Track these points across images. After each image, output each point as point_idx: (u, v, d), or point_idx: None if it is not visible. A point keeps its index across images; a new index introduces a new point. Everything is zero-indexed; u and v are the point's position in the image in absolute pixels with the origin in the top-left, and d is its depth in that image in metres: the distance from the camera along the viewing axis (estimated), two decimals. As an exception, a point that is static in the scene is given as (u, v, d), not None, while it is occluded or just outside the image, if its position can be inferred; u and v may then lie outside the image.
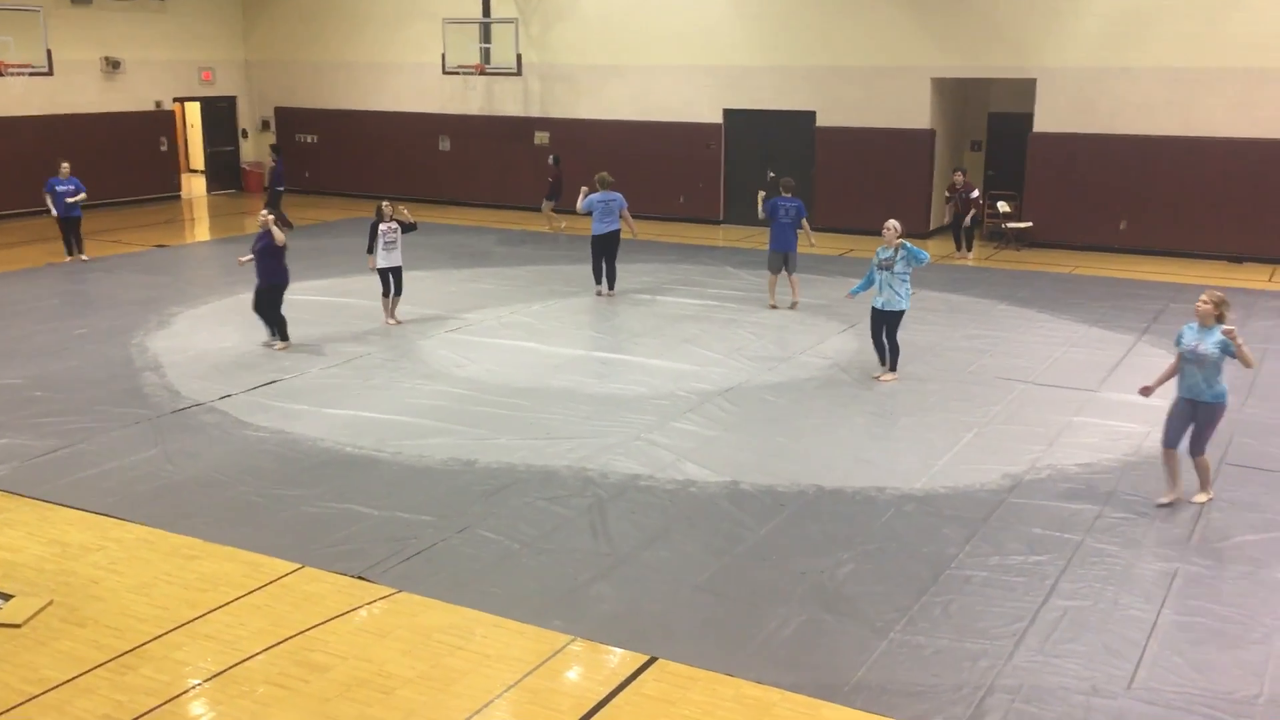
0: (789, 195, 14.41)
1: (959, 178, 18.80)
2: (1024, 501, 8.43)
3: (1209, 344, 7.96)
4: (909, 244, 11.22)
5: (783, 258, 14.45)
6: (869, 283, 11.53)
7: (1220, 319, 8.00)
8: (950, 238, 19.40)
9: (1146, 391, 8.40)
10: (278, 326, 12.67)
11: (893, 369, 11.44)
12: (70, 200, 17.58)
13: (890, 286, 11.19)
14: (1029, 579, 7.18)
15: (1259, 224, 18.20)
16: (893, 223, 11.36)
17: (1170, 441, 8.25)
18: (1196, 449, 8.20)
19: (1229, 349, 7.90)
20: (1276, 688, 5.96)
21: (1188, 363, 8.09)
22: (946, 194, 19.20)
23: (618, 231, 15.35)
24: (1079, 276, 17.31)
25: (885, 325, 11.36)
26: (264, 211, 13.07)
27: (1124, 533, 7.88)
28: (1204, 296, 8.14)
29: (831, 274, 16.82)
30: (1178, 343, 8.22)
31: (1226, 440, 9.74)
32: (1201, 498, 8.32)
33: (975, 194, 18.81)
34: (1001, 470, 9.02)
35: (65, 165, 18.09)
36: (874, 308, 11.44)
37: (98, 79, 24.03)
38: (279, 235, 12.35)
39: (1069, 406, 10.69)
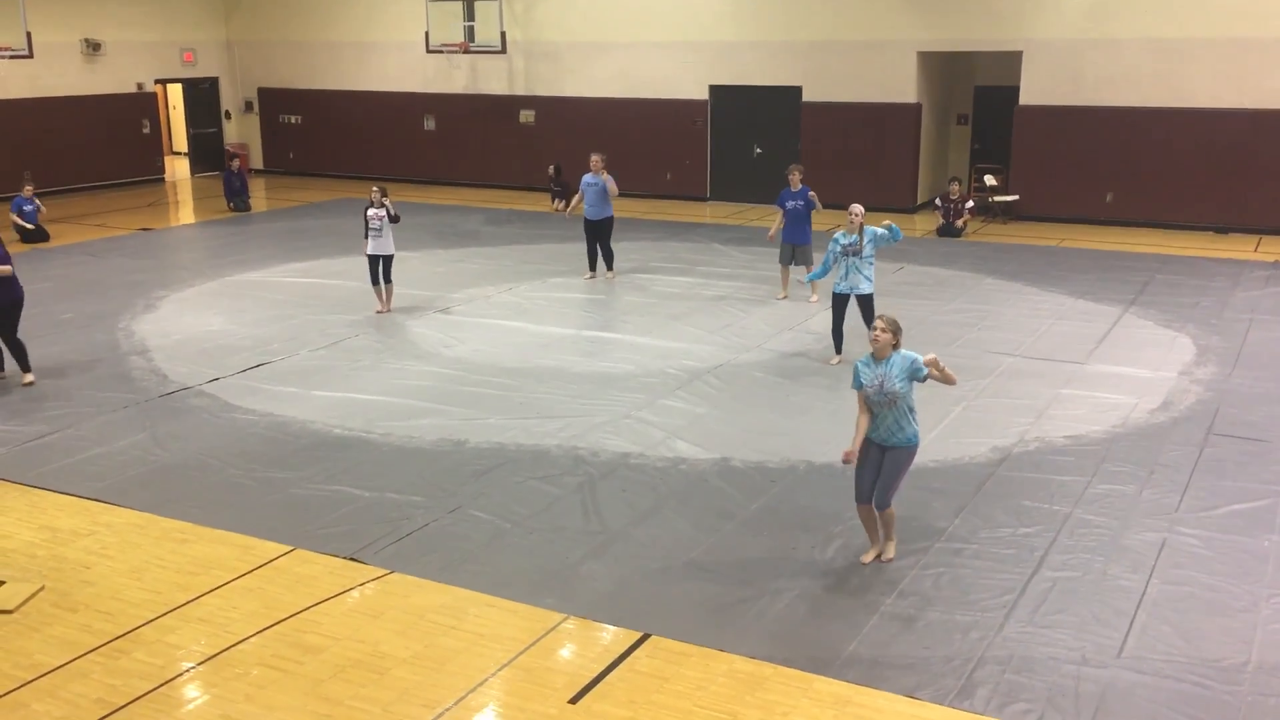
0: (800, 186, 13.64)
1: (955, 188, 18.71)
2: (1013, 474, 8.48)
3: (895, 378, 6.72)
4: (874, 229, 10.96)
5: (791, 249, 13.85)
6: (826, 270, 11.20)
7: (898, 346, 6.80)
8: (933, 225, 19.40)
9: (849, 458, 6.89)
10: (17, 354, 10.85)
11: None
12: (33, 225, 17.87)
13: (858, 270, 10.95)
14: (1018, 551, 7.22)
15: (1244, 195, 18.26)
16: (858, 207, 11.08)
17: (864, 496, 6.99)
18: (883, 500, 6.92)
19: (918, 374, 6.75)
20: (1264, 655, 6.02)
21: (877, 405, 6.80)
22: (938, 202, 19.02)
23: (610, 219, 15.12)
24: (1066, 249, 17.35)
25: (861, 310, 11.05)
26: None
27: (1112, 504, 7.92)
28: (879, 324, 6.82)
29: (819, 249, 16.77)
30: (856, 385, 6.90)
31: (1213, 411, 9.80)
32: (890, 552, 7.09)
33: (970, 204, 18.72)
34: (990, 443, 9.06)
35: (29, 187, 18.10)
36: (840, 293, 11.10)
37: (78, 61, 23.82)
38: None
39: (1056, 379, 10.73)
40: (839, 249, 11.03)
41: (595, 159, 15.09)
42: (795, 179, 13.69)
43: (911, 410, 6.85)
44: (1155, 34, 18.37)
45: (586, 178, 15.08)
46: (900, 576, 6.91)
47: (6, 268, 10.54)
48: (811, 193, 13.78)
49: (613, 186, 14.97)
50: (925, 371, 6.75)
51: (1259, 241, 17.69)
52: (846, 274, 11.03)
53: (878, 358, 6.81)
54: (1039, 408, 9.93)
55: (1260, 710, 5.54)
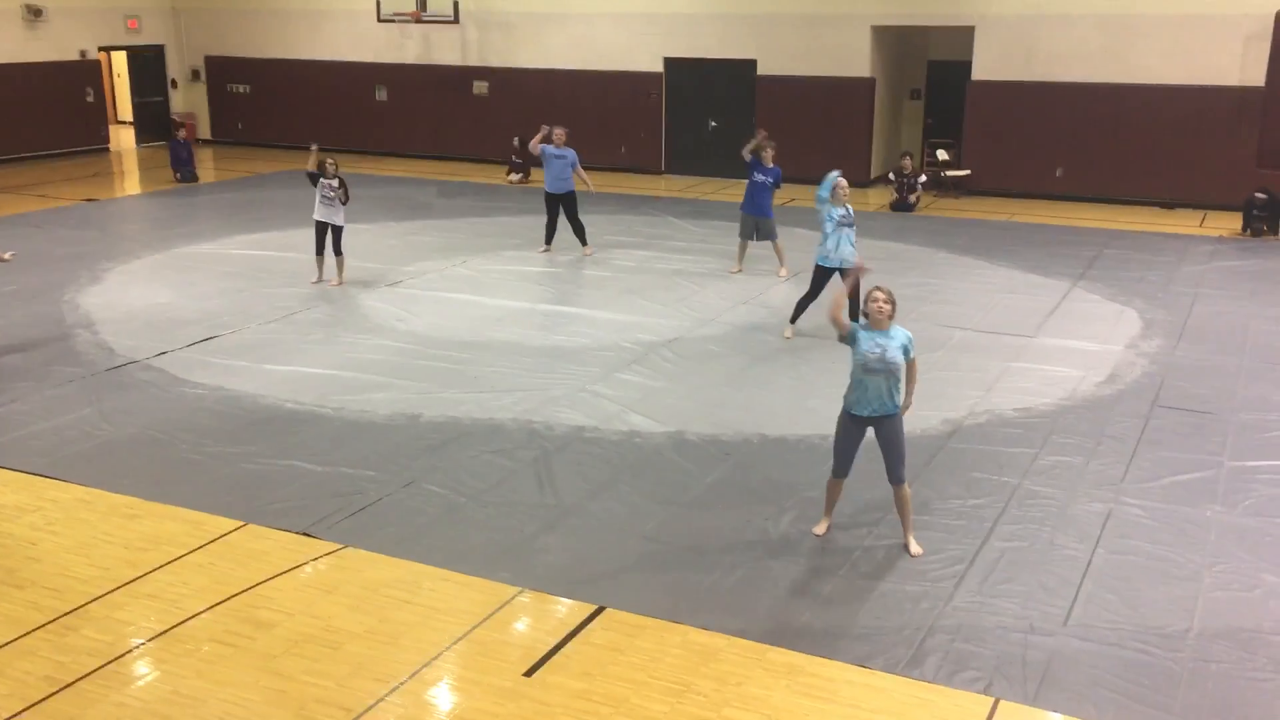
0: (772, 165, 13.43)
1: (907, 163, 18.81)
2: (963, 446, 8.58)
3: (894, 348, 6.69)
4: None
5: (754, 223, 13.66)
6: (825, 240, 10.98)
7: (893, 318, 6.75)
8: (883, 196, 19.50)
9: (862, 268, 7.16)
10: None
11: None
12: None
13: (849, 243, 10.88)
14: (968, 521, 7.32)
15: (1191, 170, 18.52)
16: (841, 179, 10.90)
17: (843, 471, 6.99)
18: (901, 473, 6.86)
19: (910, 348, 6.79)
20: (1205, 622, 6.15)
21: (872, 374, 6.69)
22: (891, 176, 19.13)
23: (572, 192, 14.94)
24: (1016, 224, 17.52)
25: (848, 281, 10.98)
26: None
27: (1059, 475, 8.05)
28: (880, 295, 6.72)
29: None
30: (849, 342, 6.79)
31: (1158, 384, 9.97)
32: (915, 546, 6.92)
33: (923, 179, 18.85)
34: (941, 416, 9.16)
35: None
36: (828, 267, 10.95)
37: (19, 27, 23.21)
38: None
39: (1006, 352, 10.86)
40: (834, 220, 10.83)
41: (560, 132, 14.97)
42: (769, 155, 13.57)
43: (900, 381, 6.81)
44: (1106, 10, 18.53)
45: (551, 149, 14.84)
46: (852, 547, 6.98)
47: None
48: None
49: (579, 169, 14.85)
50: (913, 348, 6.82)
51: (1204, 216, 17.97)
52: (838, 246, 10.88)
53: (875, 328, 6.72)
54: (989, 381, 10.04)
55: (1201, 675, 5.67)
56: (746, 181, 13.67)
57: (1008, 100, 19.43)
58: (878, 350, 6.71)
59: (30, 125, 23.30)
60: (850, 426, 6.93)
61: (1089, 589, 6.49)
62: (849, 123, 20.64)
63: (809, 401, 9.52)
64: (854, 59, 20.34)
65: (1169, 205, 18.70)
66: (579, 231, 15.06)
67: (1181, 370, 10.37)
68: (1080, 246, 15.65)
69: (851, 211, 10.99)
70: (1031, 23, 19.04)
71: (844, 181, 10.96)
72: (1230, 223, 17.15)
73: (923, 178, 18.89)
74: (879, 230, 16.45)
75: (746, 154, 13.53)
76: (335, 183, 12.95)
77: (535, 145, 15.08)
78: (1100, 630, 6.06)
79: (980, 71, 19.61)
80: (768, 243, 13.87)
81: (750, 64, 21.10)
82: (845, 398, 6.93)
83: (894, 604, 6.32)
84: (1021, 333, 11.54)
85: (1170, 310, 12.40)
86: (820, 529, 7.16)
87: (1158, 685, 5.58)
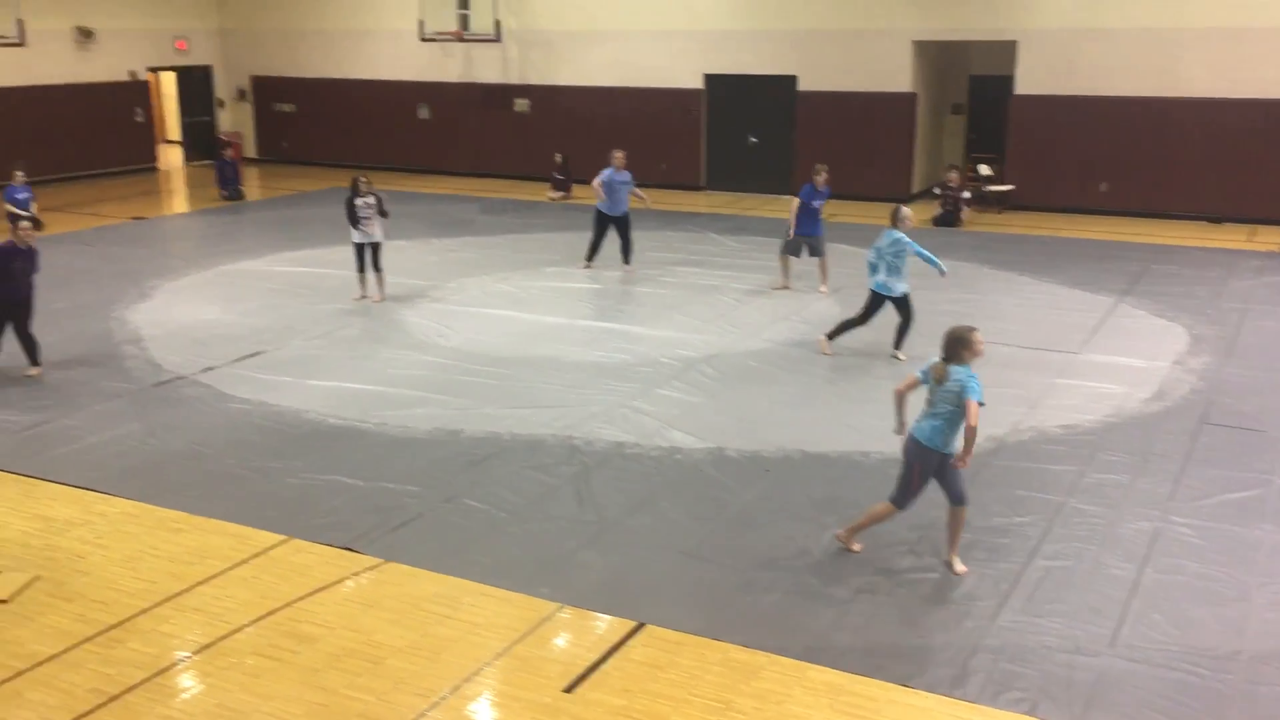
0: (824, 187, 13.54)
1: (954, 176, 18.71)
2: (1007, 464, 8.49)
3: (971, 389, 6.56)
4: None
5: (802, 242, 13.67)
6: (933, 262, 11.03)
7: (955, 360, 6.69)
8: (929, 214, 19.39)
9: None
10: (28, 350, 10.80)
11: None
12: (27, 214, 17.45)
13: (899, 271, 10.86)
14: (1012, 540, 7.24)
15: (1238, 184, 18.27)
16: (907, 210, 10.93)
17: (907, 506, 6.91)
18: (962, 497, 6.81)
19: (974, 389, 6.55)
20: (1256, 643, 6.04)
21: (940, 402, 6.67)
22: (937, 190, 19.02)
23: (627, 213, 14.93)
24: (1060, 239, 17.35)
25: (900, 309, 11.02)
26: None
27: (1106, 493, 7.94)
28: (979, 332, 6.74)
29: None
30: (922, 378, 6.80)
31: (1206, 401, 9.82)
32: (960, 565, 6.86)
33: (967, 194, 18.73)
34: (984, 433, 8.98)
35: (20, 173, 17.97)
36: (886, 295, 10.98)
37: (71, 49, 23.70)
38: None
39: (1051, 369, 10.75)
40: (913, 250, 10.80)
41: (619, 155, 14.95)
42: (822, 179, 13.60)
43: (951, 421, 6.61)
44: (1150, 24, 18.35)
45: (614, 176, 14.75)
46: (894, 565, 6.92)
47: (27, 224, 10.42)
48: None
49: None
50: (979, 396, 6.55)
51: (1252, 231, 17.70)
52: (886, 272, 10.84)
53: (962, 363, 6.63)
54: (1033, 397, 9.94)
55: (1252, 699, 5.57)
56: (797, 202, 13.63)
57: (1051, 114, 19.28)
58: (954, 388, 6.54)
59: (81, 145, 23.75)
60: (921, 462, 6.75)
61: (1136, 609, 6.39)
62: (890, 138, 20.56)
63: (849, 418, 9.46)
64: (895, 74, 20.27)
65: (1216, 220, 18.45)
66: (627, 249, 15.06)
67: (1230, 387, 10.21)
68: (1125, 262, 15.47)
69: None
70: (1074, 36, 18.89)
71: (907, 210, 10.90)
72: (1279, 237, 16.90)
73: (966, 193, 18.77)
74: (921, 245, 16.30)
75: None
76: (372, 199, 13.06)
77: (596, 184, 14.92)
78: (1148, 651, 5.97)
79: (1023, 86, 19.47)
80: (805, 259, 13.86)
81: (790, 79, 21.08)
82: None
83: (937, 623, 6.26)
84: (1066, 349, 11.42)
85: (1218, 326, 12.22)
86: (857, 546, 7.12)
87: (1207, 708, 5.48)
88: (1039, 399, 9.91)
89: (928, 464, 6.71)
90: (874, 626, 6.24)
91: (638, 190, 15.05)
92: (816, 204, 13.61)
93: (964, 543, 7.10)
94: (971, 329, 6.71)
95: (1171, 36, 18.28)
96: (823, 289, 13.80)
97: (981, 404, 6.53)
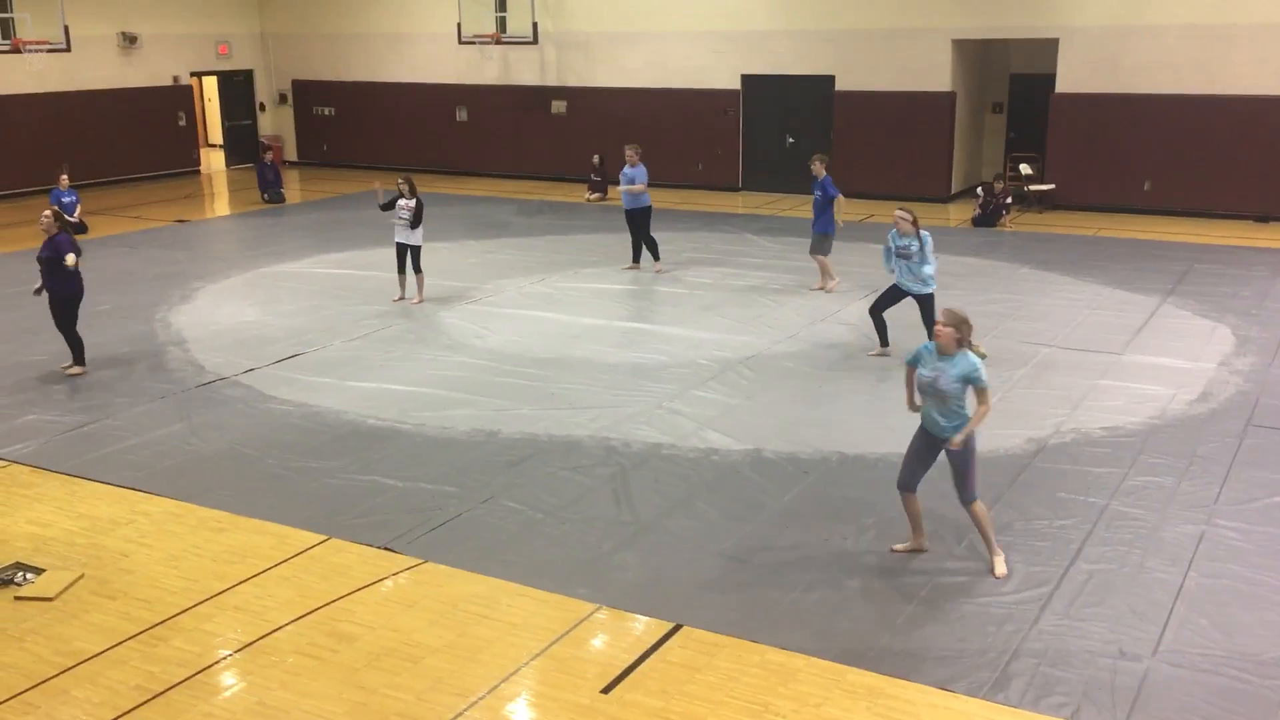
0: (822, 175, 13.47)
1: (1000, 186, 18.51)
2: (1049, 465, 8.40)
3: (950, 377, 6.56)
4: (927, 237, 10.61)
5: (829, 240, 13.64)
6: (887, 265, 10.87)
7: (962, 343, 6.59)
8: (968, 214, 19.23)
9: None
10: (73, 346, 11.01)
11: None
12: (74, 217, 17.71)
13: (911, 272, 10.62)
14: (1054, 543, 7.16)
15: (1285, 183, 17.98)
16: (901, 212, 10.63)
17: (906, 484, 6.89)
18: (964, 497, 6.78)
19: (974, 379, 6.53)
20: (1304, 649, 5.94)
21: (925, 396, 6.72)
22: (979, 191, 18.81)
23: (647, 208, 14.95)
24: (1102, 238, 17.15)
25: (921, 310, 10.75)
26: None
27: (1149, 496, 7.84)
28: (940, 318, 6.64)
29: (851, 240, 16.69)
30: (910, 362, 6.88)
31: (1253, 402, 9.67)
32: (1000, 567, 6.78)
33: (1010, 200, 18.54)
34: (1026, 435, 8.98)
35: (64, 177, 18.27)
36: (899, 288, 10.79)
37: (115, 54, 24.04)
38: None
39: (1093, 370, 10.63)
40: (893, 248, 10.70)
41: (628, 150, 15.01)
42: (818, 168, 13.55)
43: (962, 408, 6.66)
44: (1194, 20, 18.10)
45: (624, 171, 14.91)
46: (934, 568, 6.87)
47: (72, 257, 10.54)
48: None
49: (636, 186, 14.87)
50: (984, 382, 6.54)
51: (1300, 230, 17.42)
52: (901, 274, 10.72)
53: (941, 353, 6.64)
54: (1075, 399, 9.83)
55: (1301, 705, 5.47)
56: (815, 199, 13.62)
57: (1093, 113, 19.06)
58: (932, 375, 6.64)
59: (125, 148, 24.08)
60: (916, 437, 6.92)
61: (1181, 613, 6.30)
62: (929, 137, 20.41)
63: (888, 419, 9.40)
64: (934, 73, 20.12)
65: (1263, 219, 18.16)
66: (652, 247, 15.10)
67: (1277, 388, 10.04)
68: (1169, 261, 15.27)
69: (910, 245, 10.61)
70: (1117, 33, 18.66)
71: (901, 212, 10.66)
72: (1328, 236, 16.62)
73: (1009, 198, 18.54)
74: (961, 246, 16.23)
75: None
76: (413, 202, 13.11)
77: (622, 185, 14.99)
78: (1192, 656, 5.88)
79: (1064, 84, 19.26)
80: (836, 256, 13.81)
81: (828, 79, 20.98)
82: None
83: (977, 626, 6.20)
84: (1109, 350, 11.28)
85: (1265, 327, 12.02)
86: (900, 547, 7.06)
87: (1253, 714, 5.40)
88: (1081, 400, 9.80)
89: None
90: (913, 629, 6.19)
91: (628, 185, 14.85)
92: (816, 195, 13.53)
93: (1004, 545, 7.03)
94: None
95: (1216, 33, 18.01)
96: (816, 286, 13.82)
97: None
